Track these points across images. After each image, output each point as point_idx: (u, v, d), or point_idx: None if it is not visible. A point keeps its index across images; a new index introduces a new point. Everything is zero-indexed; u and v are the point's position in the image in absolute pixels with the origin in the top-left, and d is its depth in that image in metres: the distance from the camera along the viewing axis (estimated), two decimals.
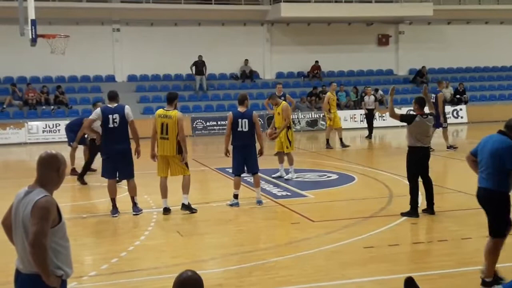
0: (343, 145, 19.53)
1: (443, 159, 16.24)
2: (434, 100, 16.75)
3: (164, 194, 10.48)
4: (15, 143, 22.99)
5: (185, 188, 10.54)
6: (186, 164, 10.52)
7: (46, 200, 4.08)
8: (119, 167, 10.38)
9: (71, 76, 28.00)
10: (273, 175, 13.87)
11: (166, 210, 10.45)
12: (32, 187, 4.20)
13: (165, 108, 10.48)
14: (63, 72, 27.66)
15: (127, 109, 10.32)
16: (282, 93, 17.45)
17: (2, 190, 13.03)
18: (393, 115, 9.98)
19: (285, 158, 13.78)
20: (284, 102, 13.79)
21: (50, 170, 4.22)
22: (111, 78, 28.34)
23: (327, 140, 19.64)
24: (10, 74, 26.94)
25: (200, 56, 27.77)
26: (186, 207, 10.53)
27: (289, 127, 13.53)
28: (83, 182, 13.94)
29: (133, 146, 10.56)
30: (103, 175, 10.64)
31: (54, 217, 4.11)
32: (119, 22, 28.20)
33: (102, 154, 10.44)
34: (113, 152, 10.28)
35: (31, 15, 16.14)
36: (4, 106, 25.15)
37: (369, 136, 22.35)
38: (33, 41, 16.59)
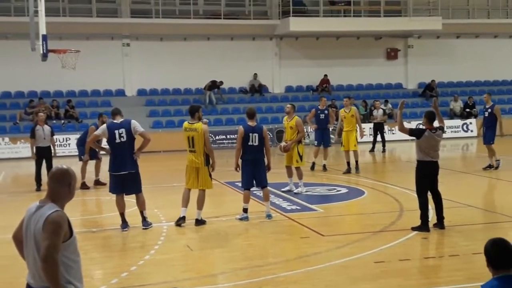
0: (349, 169, 16.78)
1: (452, 172, 16.15)
2: None
3: (185, 203, 10.53)
4: (26, 157, 23.07)
5: (200, 204, 10.58)
6: (211, 175, 10.61)
7: (57, 215, 4.10)
8: (127, 183, 10.37)
9: (82, 90, 28.19)
10: (282, 189, 13.86)
11: (183, 219, 10.49)
12: (43, 201, 4.22)
13: (189, 121, 10.56)
14: (74, 87, 27.83)
15: (134, 123, 10.36)
16: (325, 107, 17.42)
17: (13, 204, 13.11)
18: (402, 129, 9.98)
19: (294, 172, 13.76)
20: (296, 117, 13.66)
21: (61, 185, 4.24)
22: (121, 93, 28.51)
23: (347, 163, 16.91)
24: (21, 88, 27.18)
25: (220, 82, 28.30)
26: (200, 222, 10.59)
27: (299, 142, 13.52)
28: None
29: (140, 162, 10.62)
30: (110, 191, 10.66)
31: (66, 231, 4.13)
32: (129, 37, 28.40)
33: (110, 169, 10.46)
34: (121, 168, 10.29)
35: (42, 30, 16.27)
36: (17, 121, 25.39)
37: (383, 150, 22.27)
38: (44, 56, 16.71)
